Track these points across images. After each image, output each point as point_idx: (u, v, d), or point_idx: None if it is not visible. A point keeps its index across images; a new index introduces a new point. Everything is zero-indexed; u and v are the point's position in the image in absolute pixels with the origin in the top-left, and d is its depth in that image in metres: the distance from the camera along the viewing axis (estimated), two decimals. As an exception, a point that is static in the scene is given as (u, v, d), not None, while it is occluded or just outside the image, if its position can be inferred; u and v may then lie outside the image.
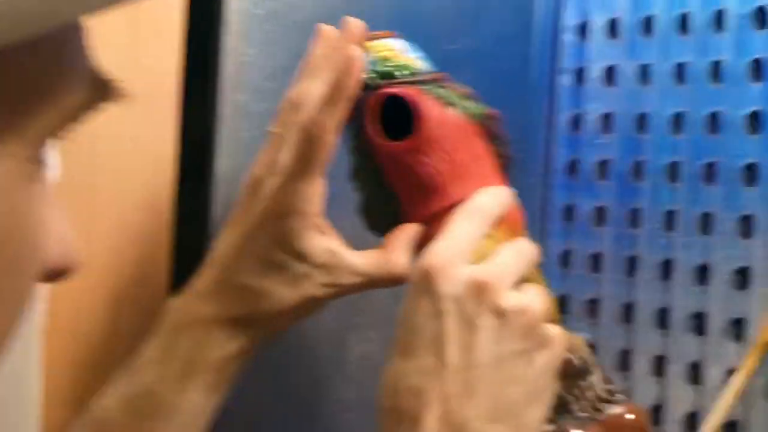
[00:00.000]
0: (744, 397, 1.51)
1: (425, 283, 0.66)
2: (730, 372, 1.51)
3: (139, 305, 1.21)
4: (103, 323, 1.21)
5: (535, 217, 1.80)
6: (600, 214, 1.74)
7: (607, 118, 1.74)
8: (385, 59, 0.96)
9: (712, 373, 1.55)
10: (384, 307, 1.53)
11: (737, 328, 1.55)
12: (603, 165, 1.74)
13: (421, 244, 0.88)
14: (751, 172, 1.54)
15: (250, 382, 1.35)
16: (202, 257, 1.06)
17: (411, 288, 0.67)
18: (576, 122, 1.79)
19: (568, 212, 1.79)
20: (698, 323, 1.59)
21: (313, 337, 1.41)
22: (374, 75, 0.93)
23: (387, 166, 0.91)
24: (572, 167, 1.79)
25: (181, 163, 1.26)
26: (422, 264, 0.68)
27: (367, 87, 0.93)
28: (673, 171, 1.63)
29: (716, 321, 1.55)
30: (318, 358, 1.43)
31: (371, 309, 1.51)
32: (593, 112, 1.75)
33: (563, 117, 1.79)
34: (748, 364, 1.48)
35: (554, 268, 1.79)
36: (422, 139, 0.91)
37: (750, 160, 1.54)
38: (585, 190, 1.75)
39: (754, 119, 1.54)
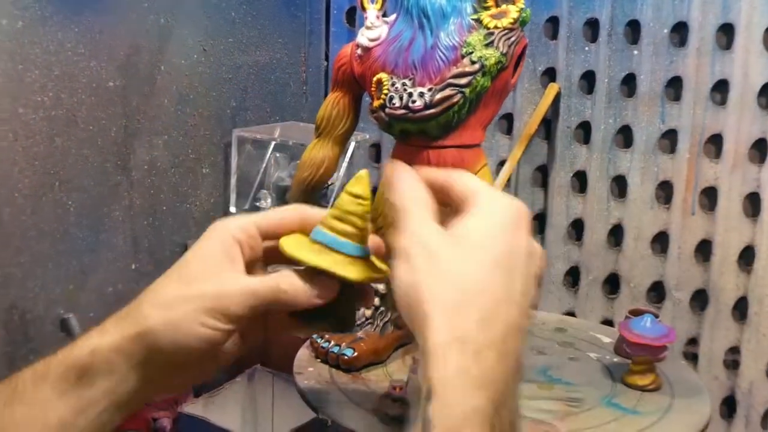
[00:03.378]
0: (513, 185, 1.69)
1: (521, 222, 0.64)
2: (502, 163, 1.67)
3: None
4: None
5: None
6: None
7: None
8: None
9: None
10: (170, 113, 1.55)
11: (507, 122, 1.70)
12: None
13: None
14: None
15: (39, 186, 1.36)
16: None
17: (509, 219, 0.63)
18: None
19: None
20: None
21: (99, 146, 1.42)
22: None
23: None
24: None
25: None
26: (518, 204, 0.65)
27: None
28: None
29: (488, 116, 1.69)
30: (106, 166, 1.45)
31: (156, 115, 1.52)
32: None
33: None
34: (515, 155, 1.64)
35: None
36: None
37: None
38: None
39: None
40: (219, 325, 0.67)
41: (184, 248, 1.63)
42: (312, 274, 0.68)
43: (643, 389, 1.09)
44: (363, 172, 0.71)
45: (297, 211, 0.73)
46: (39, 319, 1.36)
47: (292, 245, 0.69)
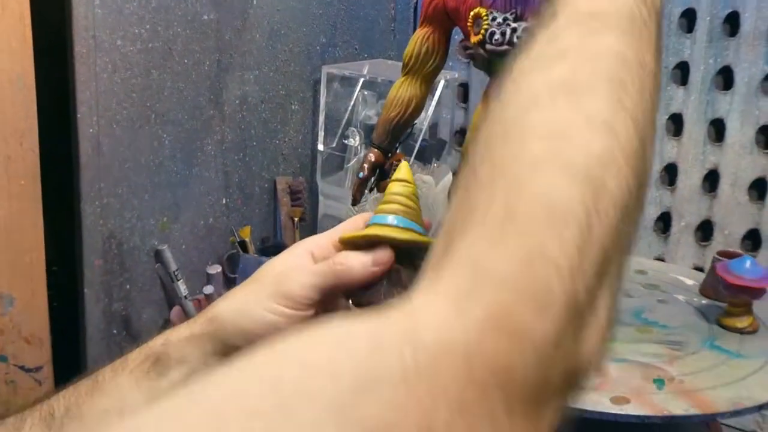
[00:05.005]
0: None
1: None
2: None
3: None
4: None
5: None
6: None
7: None
8: None
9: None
10: (261, 48, 1.56)
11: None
12: None
13: None
14: None
15: (136, 118, 1.39)
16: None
17: None
18: None
19: None
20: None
21: (193, 80, 1.43)
22: None
23: None
24: None
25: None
26: None
27: None
28: None
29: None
30: (199, 100, 1.46)
31: (248, 50, 1.53)
32: None
33: None
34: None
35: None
36: None
37: None
38: None
39: None
40: (282, 310, 0.67)
41: (273, 184, 1.64)
42: (365, 248, 0.69)
43: (741, 331, 1.07)
44: (403, 162, 0.78)
45: (364, 218, 0.73)
46: (135, 250, 1.39)
47: (347, 234, 0.71)
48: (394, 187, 0.75)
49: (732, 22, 1.52)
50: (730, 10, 1.51)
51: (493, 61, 1.12)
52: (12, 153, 1.16)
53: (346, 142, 1.67)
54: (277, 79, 1.60)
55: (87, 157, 1.28)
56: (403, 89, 1.25)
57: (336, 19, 1.71)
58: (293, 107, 1.65)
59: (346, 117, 1.69)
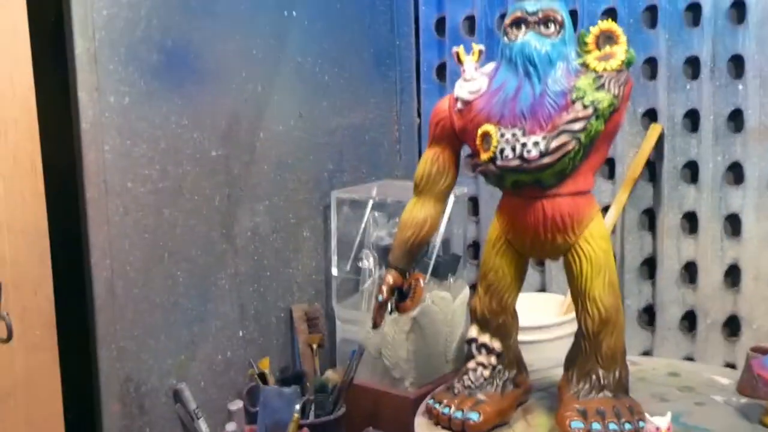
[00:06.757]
0: (619, 230, 1.65)
1: None
2: (606, 208, 1.63)
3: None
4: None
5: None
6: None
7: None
8: None
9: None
10: (270, 179, 1.56)
11: (608, 167, 1.66)
12: (470, 21, 1.78)
13: None
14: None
15: (149, 259, 1.37)
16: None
17: None
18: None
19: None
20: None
21: (204, 216, 1.43)
22: None
23: None
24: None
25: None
26: None
27: None
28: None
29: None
30: (211, 235, 1.46)
31: (257, 182, 1.53)
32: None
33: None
34: (620, 200, 1.60)
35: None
36: None
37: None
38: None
39: None
40: None
41: (289, 313, 1.62)
42: None
43: (787, 432, 1.03)
44: None
45: None
46: (154, 391, 1.36)
47: None
48: None
49: (736, 119, 1.53)
50: (732, 108, 1.52)
51: (504, 175, 1.12)
52: (27, 303, 1.14)
53: (359, 264, 1.66)
54: (288, 207, 1.60)
55: (101, 300, 1.26)
56: (416, 210, 1.25)
57: (342, 145, 1.72)
58: (305, 234, 1.65)
59: (358, 239, 1.68)
